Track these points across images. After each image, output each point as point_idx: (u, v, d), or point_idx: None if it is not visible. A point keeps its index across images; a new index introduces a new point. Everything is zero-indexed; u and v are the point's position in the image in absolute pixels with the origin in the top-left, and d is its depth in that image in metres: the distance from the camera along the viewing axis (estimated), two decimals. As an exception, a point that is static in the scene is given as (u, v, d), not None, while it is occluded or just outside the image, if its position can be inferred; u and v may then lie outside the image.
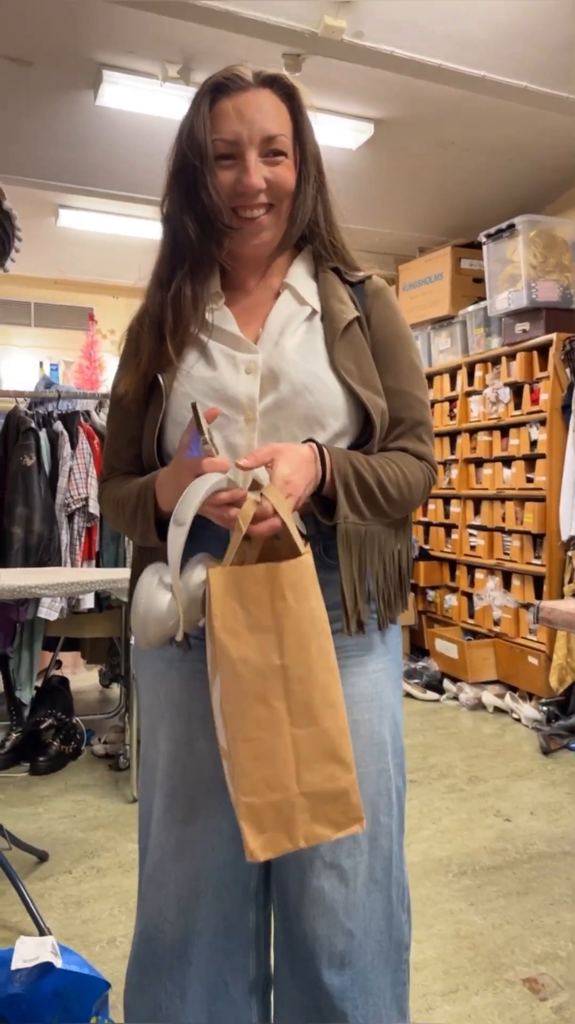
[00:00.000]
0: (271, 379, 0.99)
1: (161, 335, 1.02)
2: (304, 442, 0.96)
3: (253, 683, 0.84)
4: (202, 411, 0.93)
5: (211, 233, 1.01)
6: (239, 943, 1.05)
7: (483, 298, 3.96)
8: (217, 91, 0.99)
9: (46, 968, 1.28)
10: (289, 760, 0.84)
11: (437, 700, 3.84)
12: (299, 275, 1.07)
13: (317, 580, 0.87)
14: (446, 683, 3.93)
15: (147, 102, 3.06)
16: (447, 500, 4.28)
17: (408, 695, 3.88)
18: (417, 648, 4.41)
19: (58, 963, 1.28)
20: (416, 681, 3.94)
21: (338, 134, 3.38)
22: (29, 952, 1.26)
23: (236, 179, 0.98)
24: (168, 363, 1.02)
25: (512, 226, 3.61)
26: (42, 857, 2.23)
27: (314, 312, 1.04)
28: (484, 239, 3.81)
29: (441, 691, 3.91)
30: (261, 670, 0.84)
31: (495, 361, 3.90)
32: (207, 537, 0.95)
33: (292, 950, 1.03)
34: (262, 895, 1.08)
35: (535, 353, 3.61)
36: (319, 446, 0.95)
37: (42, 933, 1.80)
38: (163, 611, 0.86)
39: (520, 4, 2.57)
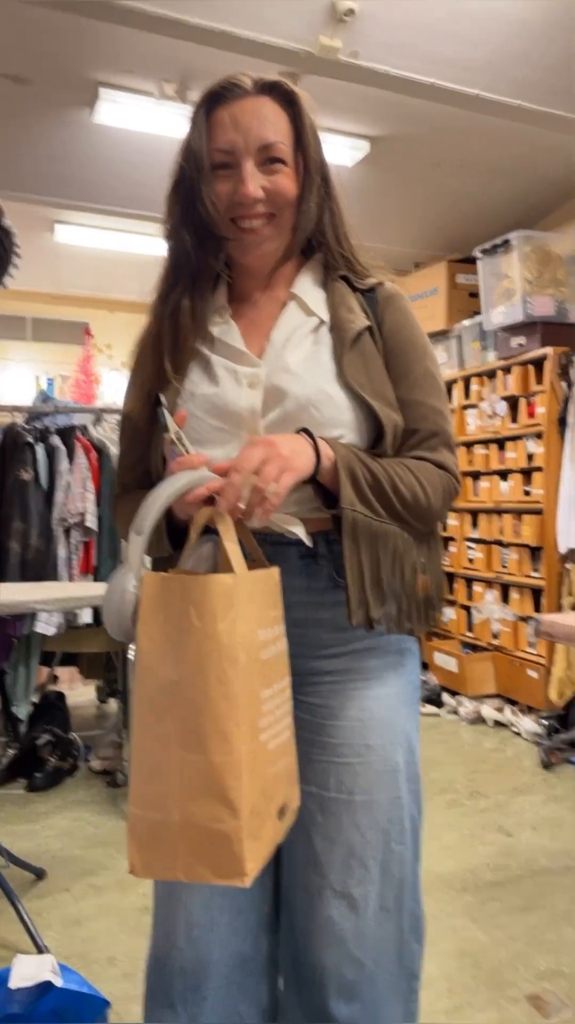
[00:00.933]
0: (275, 393, 0.97)
1: (162, 353, 1.01)
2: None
3: (152, 693, 0.81)
4: (170, 416, 0.92)
5: (209, 245, 1.00)
6: (254, 974, 1.03)
7: (479, 312, 3.98)
8: (214, 100, 0.97)
9: (45, 987, 1.26)
10: (173, 782, 0.79)
11: (436, 714, 3.83)
12: (306, 285, 1.04)
13: (238, 603, 0.80)
14: (445, 697, 3.92)
15: (144, 120, 3.09)
16: (444, 513, 4.28)
17: (407, 709, 3.86)
18: (415, 662, 4.39)
19: (58, 982, 1.26)
20: (415, 695, 3.92)
21: (334, 152, 3.41)
22: (28, 971, 1.24)
23: (233, 189, 0.96)
24: (169, 381, 1.00)
25: (507, 241, 3.64)
26: (39, 875, 2.20)
27: (321, 323, 1.01)
28: (479, 254, 3.84)
29: (440, 705, 3.89)
30: (159, 681, 0.80)
31: (491, 375, 3.92)
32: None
33: (300, 978, 1.01)
34: (274, 921, 1.05)
35: (531, 367, 3.63)
36: (307, 431, 0.91)
37: (40, 952, 1.77)
38: (127, 614, 0.85)
39: (515, 24, 2.60)
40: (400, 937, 1.00)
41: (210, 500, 0.87)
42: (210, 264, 1.02)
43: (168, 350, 1.01)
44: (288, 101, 0.98)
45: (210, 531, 0.90)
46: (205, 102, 0.98)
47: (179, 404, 0.99)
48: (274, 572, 0.90)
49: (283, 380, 0.97)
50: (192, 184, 0.97)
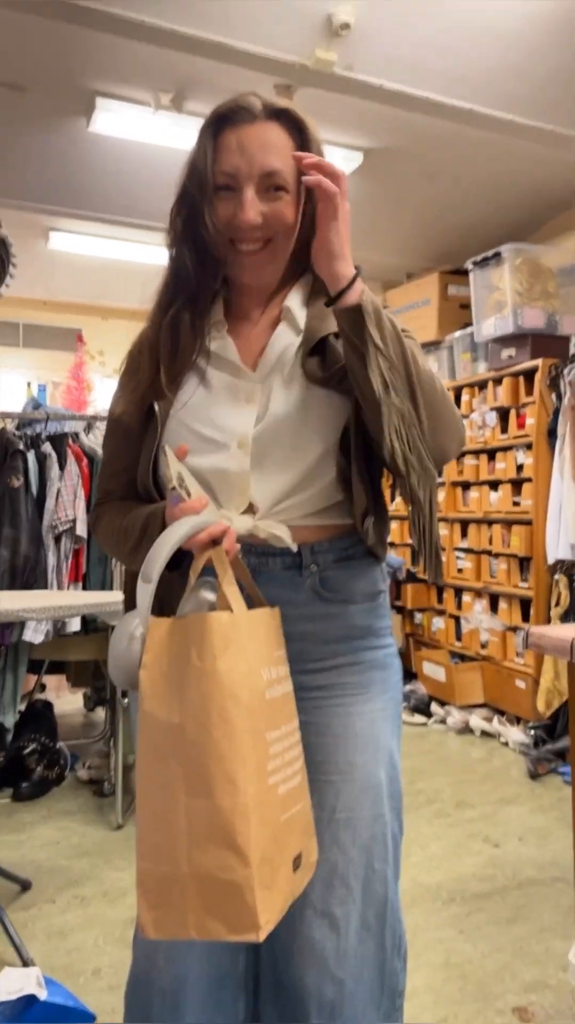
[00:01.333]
0: (264, 407, 0.99)
1: (158, 362, 1.03)
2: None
3: (155, 739, 0.80)
4: (172, 453, 0.93)
5: (209, 265, 1.01)
6: (230, 990, 1.03)
7: (470, 324, 4.01)
8: (222, 122, 0.99)
9: (29, 1000, 1.25)
10: (181, 832, 0.76)
11: (424, 724, 3.83)
12: (296, 303, 1.06)
13: (238, 641, 0.80)
14: (433, 706, 3.92)
15: (140, 129, 3.10)
16: (434, 523, 4.30)
17: (395, 719, 3.86)
18: (405, 671, 4.39)
19: (42, 995, 1.25)
20: (403, 705, 3.92)
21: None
22: (13, 984, 1.24)
23: (233, 213, 0.98)
24: (163, 391, 1.02)
25: (498, 254, 3.67)
26: (25, 886, 2.18)
27: None
28: (471, 266, 3.87)
29: (428, 715, 3.89)
30: (162, 726, 0.79)
31: (482, 386, 3.94)
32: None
33: (280, 996, 1.01)
34: None
35: (521, 378, 3.65)
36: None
37: (25, 964, 1.76)
38: (135, 660, 0.85)
39: (507, 40, 2.63)
40: (382, 956, 1.00)
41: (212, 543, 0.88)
42: (209, 282, 1.04)
43: (166, 361, 1.02)
44: (296, 128, 1.00)
45: (207, 572, 0.90)
46: (213, 122, 0.99)
47: (170, 414, 1.01)
48: (275, 612, 0.91)
49: (272, 394, 0.99)
50: (194, 203, 0.99)
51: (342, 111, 3.05)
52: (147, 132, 3.10)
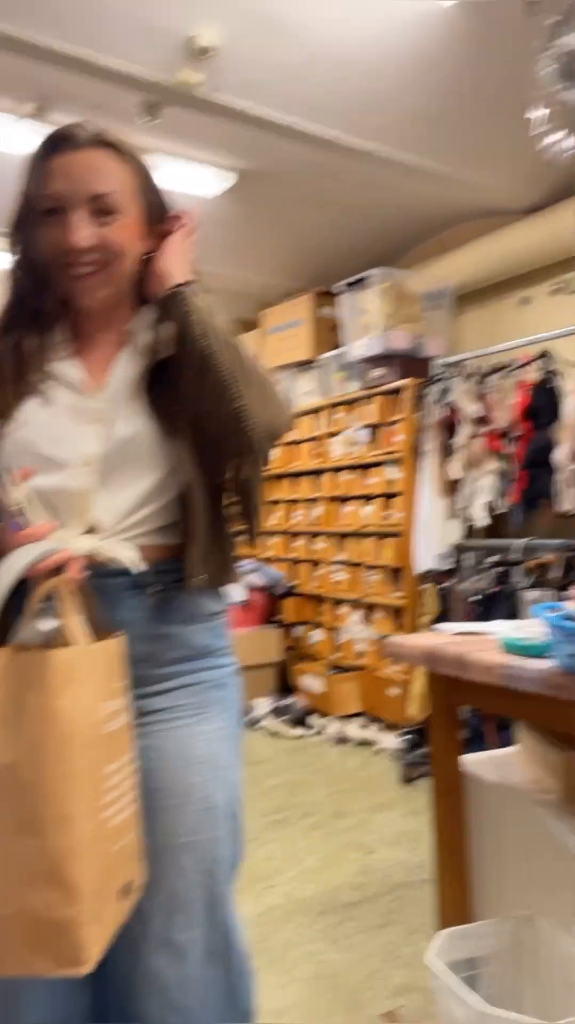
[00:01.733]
0: (110, 428, 0.99)
1: (2, 384, 1.01)
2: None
3: None
4: (13, 478, 0.91)
5: (47, 287, 1.01)
6: None
7: (341, 344, 4.13)
8: (48, 149, 0.99)
9: None
10: (9, 872, 0.75)
11: (302, 736, 3.87)
12: (141, 327, 1.07)
13: (79, 678, 0.79)
14: (313, 718, 3.98)
15: (1, 138, 3.01)
16: (313, 536, 4.39)
17: (275, 734, 3.89)
18: (284, 686, 4.44)
19: None
20: (283, 718, 3.95)
21: (199, 181, 3.45)
22: None
23: (61, 237, 0.98)
24: (3, 411, 0.99)
25: (366, 278, 3.80)
26: None
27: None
28: (342, 288, 3.99)
29: (307, 727, 3.94)
30: None
31: (354, 404, 4.07)
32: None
33: None
34: (98, 970, 1.03)
35: (390, 397, 3.80)
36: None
37: None
38: None
39: (370, 74, 2.74)
40: (231, 980, 1.00)
41: (55, 570, 0.86)
42: (50, 304, 1.03)
43: (10, 383, 1.01)
44: (127, 155, 1.01)
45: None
46: (40, 150, 1.00)
47: (6, 434, 0.99)
48: (118, 642, 0.90)
49: (117, 415, 1.00)
50: (27, 228, 1.00)
51: (213, 132, 3.08)
52: (9, 141, 3.01)
